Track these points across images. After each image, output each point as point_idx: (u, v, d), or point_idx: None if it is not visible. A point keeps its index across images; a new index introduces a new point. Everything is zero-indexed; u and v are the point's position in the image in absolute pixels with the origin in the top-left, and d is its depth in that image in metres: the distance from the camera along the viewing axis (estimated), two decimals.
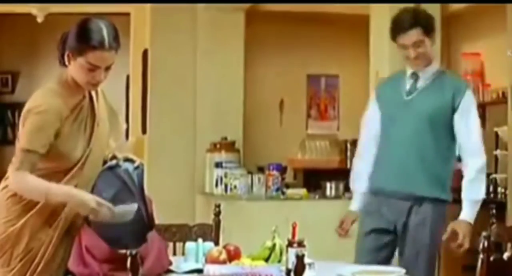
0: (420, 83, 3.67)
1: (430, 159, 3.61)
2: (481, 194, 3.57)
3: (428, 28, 3.60)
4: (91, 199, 2.88)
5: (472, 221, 3.52)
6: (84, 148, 3.00)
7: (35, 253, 2.94)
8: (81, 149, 2.99)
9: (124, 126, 3.30)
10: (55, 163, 2.94)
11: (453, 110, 3.59)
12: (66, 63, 2.96)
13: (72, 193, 2.91)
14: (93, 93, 3.10)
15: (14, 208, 2.97)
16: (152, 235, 3.00)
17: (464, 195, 3.57)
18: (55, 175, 2.94)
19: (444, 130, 3.61)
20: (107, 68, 2.97)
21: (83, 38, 2.91)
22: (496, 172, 6.85)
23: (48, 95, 2.96)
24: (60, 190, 2.91)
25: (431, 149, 3.61)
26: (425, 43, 3.59)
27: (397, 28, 3.62)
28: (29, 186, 2.91)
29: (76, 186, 2.97)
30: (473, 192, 3.57)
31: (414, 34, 3.57)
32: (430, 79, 3.67)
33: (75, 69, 2.94)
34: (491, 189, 6.83)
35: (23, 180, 2.90)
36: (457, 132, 3.62)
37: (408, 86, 3.69)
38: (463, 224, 3.51)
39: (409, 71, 3.71)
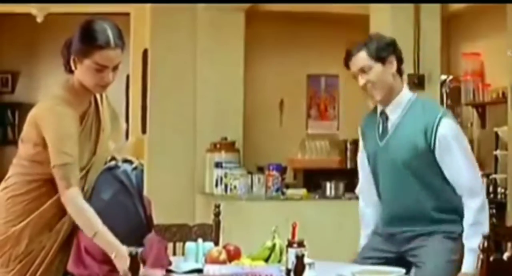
0: (391, 123, 3.27)
1: (426, 202, 3.24)
2: (480, 238, 2.98)
3: (377, 53, 3.22)
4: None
5: (474, 271, 3.07)
6: (90, 155, 2.99)
7: (35, 255, 2.93)
8: (87, 157, 2.98)
9: (124, 127, 3.26)
10: None
11: (431, 148, 3.17)
12: (73, 68, 2.93)
13: (113, 243, 2.83)
14: (98, 98, 3.09)
15: (14, 209, 2.96)
16: (151, 236, 3.00)
17: (465, 241, 3.18)
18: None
19: (430, 170, 3.20)
20: (115, 68, 2.94)
21: (88, 39, 2.89)
22: (496, 172, 6.86)
23: (61, 105, 2.91)
24: (107, 236, 2.83)
25: (421, 193, 3.23)
26: (373, 70, 3.21)
27: (347, 55, 3.30)
28: (83, 217, 2.85)
29: (82, 190, 2.97)
30: (473, 239, 3.06)
31: (359, 58, 3.22)
32: (399, 116, 3.25)
33: (82, 72, 2.92)
34: (491, 189, 6.84)
35: (80, 207, 2.85)
36: (444, 170, 3.18)
37: (380, 129, 3.30)
38: None
39: (378, 109, 3.31)
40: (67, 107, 2.91)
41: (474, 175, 3.21)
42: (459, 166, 3.16)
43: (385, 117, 3.29)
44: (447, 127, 3.18)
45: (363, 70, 3.22)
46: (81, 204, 2.85)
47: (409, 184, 3.24)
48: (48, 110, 2.91)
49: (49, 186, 2.93)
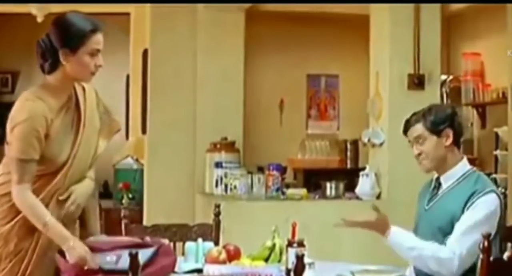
0: (441, 190, 3.35)
1: None
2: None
3: (433, 125, 3.27)
4: (81, 247, 2.88)
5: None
6: (69, 150, 3.00)
7: (24, 254, 2.95)
8: (67, 152, 2.99)
9: (119, 122, 3.28)
10: (41, 166, 2.94)
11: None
12: (63, 62, 2.97)
13: (64, 235, 2.90)
14: (79, 93, 3.10)
15: (2, 208, 2.97)
16: (167, 245, 3.00)
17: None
18: (43, 177, 2.95)
19: None
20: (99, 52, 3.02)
21: (80, 28, 2.98)
22: (496, 172, 6.86)
23: (31, 99, 2.96)
24: (57, 228, 2.90)
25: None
26: (427, 141, 3.28)
27: (406, 123, 3.39)
28: (31, 210, 2.90)
29: (62, 186, 2.99)
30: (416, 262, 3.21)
31: (415, 129, 3.30)
32: (451, 186, 3.31)
33: (77, 63, 2.97)
34: None
35: (26, 200, 2.90)
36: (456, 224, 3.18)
37: (431, 194, 3.39)
38: None
39: (435, 175, 3.41)
40: (39, 102, 2.95)
41: (464, 239, 3.12)
42: (463, 227, 3.07)
43: (438, 183, 3.37)
44: (485, 199, 3.18)
45: (417, 141, 3.31)
46: (29, 197, 2.89)
47: None
48: (20, 107, 2.96)
49: (34, 186, 2.94)
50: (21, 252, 2.95)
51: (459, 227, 3.09)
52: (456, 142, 3.33)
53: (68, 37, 2.96)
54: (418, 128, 3.30)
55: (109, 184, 8.85)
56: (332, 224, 3.36)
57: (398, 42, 5.70)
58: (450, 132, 3.29)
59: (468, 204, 3.18)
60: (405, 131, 3.37)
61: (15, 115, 2.94)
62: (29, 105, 2.94)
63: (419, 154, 3.31)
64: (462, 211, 3.18)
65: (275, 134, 7.81)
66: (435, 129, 3.28)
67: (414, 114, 3.37)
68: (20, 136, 2.89)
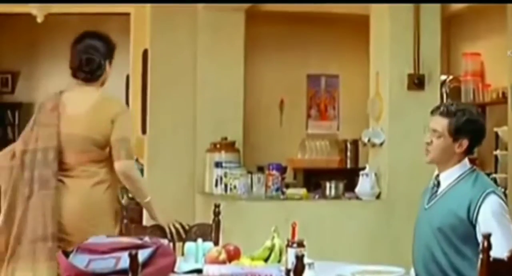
0: (440, 189, 3.36)
1: (448, 270, 3.24)
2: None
3: (455, 130, 3.28)
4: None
5: None
6: None
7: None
8: None
9: None
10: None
11: (472, 224, 3.18)
12: (108, 69, 3.72)
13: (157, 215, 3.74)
14: None
15: (104, 195, 3.58)
16: (166, 245, 2.99)
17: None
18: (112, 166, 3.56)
19: (464, 243, 3.21)
20: None
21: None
22: (496, 172, 6.86)
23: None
24: (154, 208, 3.73)
25: (442, 269, 3.25)
26: (442, 140, 3.29)
27: (437, 107, 3.39)
28: (142, 184, 3.67)
29: None
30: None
31: (439, 122, 3.31)
32: (450, 184, 3.33)
33: (109, 73, 3.74)
34: None
35: (139, 174, 3.68)
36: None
37: (431, 193, 3.40)
38: None
39: (435, 173, 3.42)
40: None
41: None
42: (495, 244, 2.61)
43: (437, 182, 3.37)
44: (490, 204, 3.19)
45: (434, 132, 3.32)
46: (137, 174, 3.63)
47: (438, 250, 3.27)
48: (119, 101, 3.78)
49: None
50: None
51: (494, 243, 2.59)
52: (468, 149, 3.34)
53: (111, 51, 3.75)
54: (442, 124, 3.30)
55: None
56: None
57: (398, 42, 5.69)
58: (466, 143, 3.31)
59: (472, 212, 3.18)
60: (432, 112, 3.37)
61: (122, 106, 3.71)
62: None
63: (428, 144, 3.34)
64: (467, 214, 3.19)
65: (275, 134, 7.82)
66: (455, 135, 3.29)
67: (451, 104, 3.37)
68: (129, 122, 3.66)
